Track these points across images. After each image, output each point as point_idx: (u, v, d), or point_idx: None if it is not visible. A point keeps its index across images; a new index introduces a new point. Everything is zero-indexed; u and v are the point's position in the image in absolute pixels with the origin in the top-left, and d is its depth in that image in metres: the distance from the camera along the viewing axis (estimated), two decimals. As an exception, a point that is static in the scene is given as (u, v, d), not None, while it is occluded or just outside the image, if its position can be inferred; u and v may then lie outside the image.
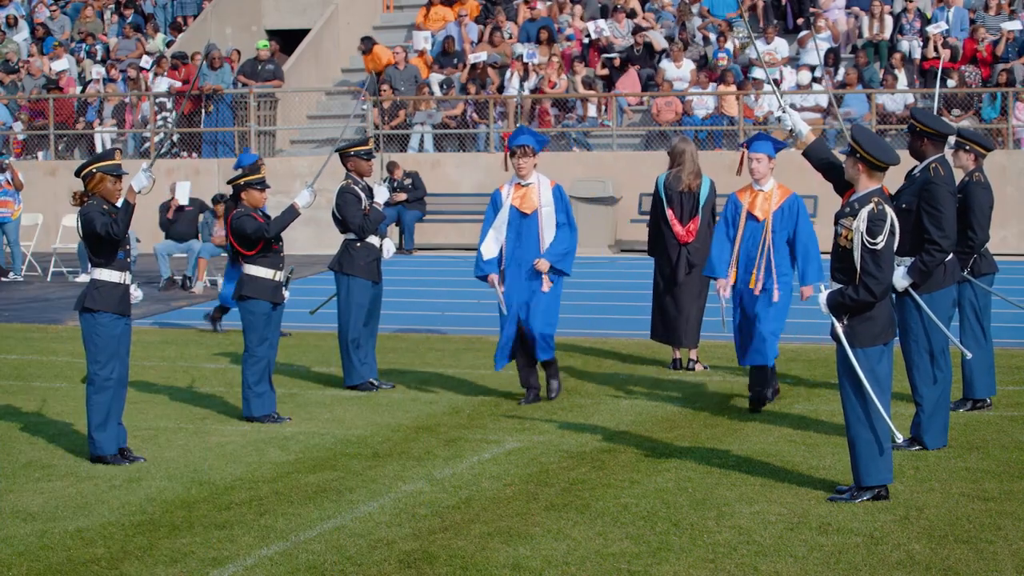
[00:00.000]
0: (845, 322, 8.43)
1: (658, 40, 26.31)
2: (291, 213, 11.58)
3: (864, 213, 8.32)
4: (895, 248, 8.46)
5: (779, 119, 9.64)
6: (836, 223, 8.53)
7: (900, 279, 9.70)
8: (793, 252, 11.35)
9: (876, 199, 8.36)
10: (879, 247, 8.30)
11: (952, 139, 10.89)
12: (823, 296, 8.51)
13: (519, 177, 11.62)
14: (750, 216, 11.30)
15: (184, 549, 7.74)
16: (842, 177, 8.81)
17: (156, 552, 7.67)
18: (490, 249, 11.86)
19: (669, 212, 13.45)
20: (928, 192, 9.85)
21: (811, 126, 10.48)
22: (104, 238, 9.79)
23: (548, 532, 7.93)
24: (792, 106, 23.99)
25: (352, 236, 12.81)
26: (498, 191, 11.91)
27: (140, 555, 7.61)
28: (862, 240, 8.30)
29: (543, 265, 11.69)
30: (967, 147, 11.24)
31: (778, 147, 11.32)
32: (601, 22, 26.58)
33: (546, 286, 11.77)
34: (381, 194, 12.93)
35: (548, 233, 11.72)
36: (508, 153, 11.99)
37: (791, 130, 9.57)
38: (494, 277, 11.85)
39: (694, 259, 13.37)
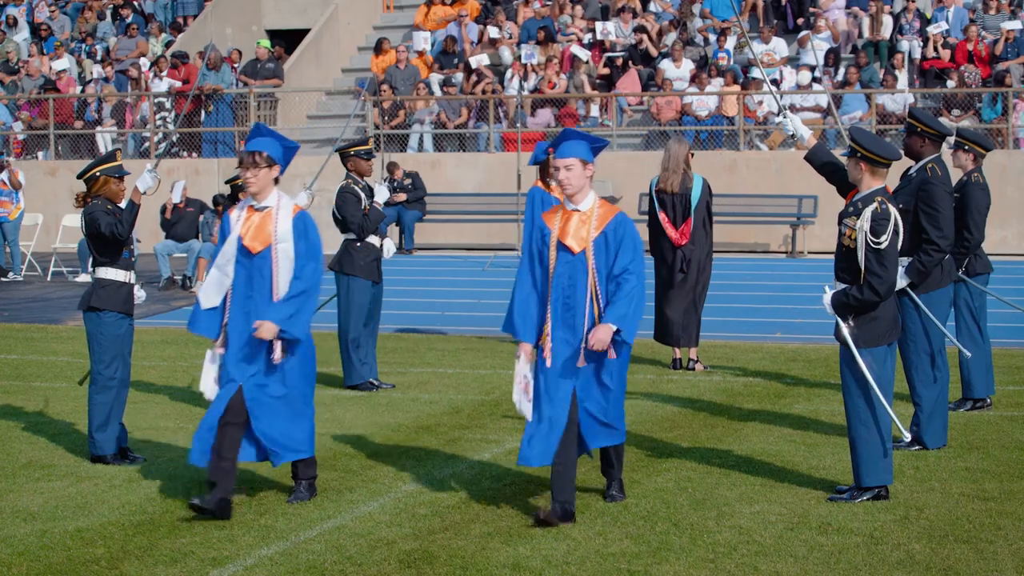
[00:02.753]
0: (851, 323, 8.43)
1: (656, 44, 26.35)
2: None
3: (868, 212, 8.32)
4: (899, 247, 8.47)
5: (779, 123, 9.64)
6: (840, 223, 8.53)
7: (898, 279, 9.70)
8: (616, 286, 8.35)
9: (880, 198, 8.36)
10: (883, 246, 8.30)
11: (951, 139, 10.90)
12: (828, 297, 8.50)
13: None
14: (562, 247, 8.25)
15: (184, 549, 7.73)
16: (845, 179, 8.81)
17: (156, 552, 7.67)
18: (210, 296, 8.62)
19: (661, 215, 13.46)
20: (926, 192, 9.86)
21: (811, 127, 10.51)
22: (108, 238, 9.79)
23: (548, 532, 7.93)
24: (792, 107, 24.09)
25: (352, 236, 12.81)
26: (227, 214, 8.80)
27: (140, 555, 7.61)
28: (866, 239, 8.31)
29: (265, 331, 8.42)
30: (966, 147, 11.24)
31: (596, 147, 8.35)
32: (608, 24, 26.60)
33: (277, 355, 8.54)
34: (381, 194, 12.91)
35: (284, 279, 8.56)
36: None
37: (792, 134, 9.57)
38: (218, 346, 8.67)
39: (690, 261, 13.39)
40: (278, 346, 8.49)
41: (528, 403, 8.30)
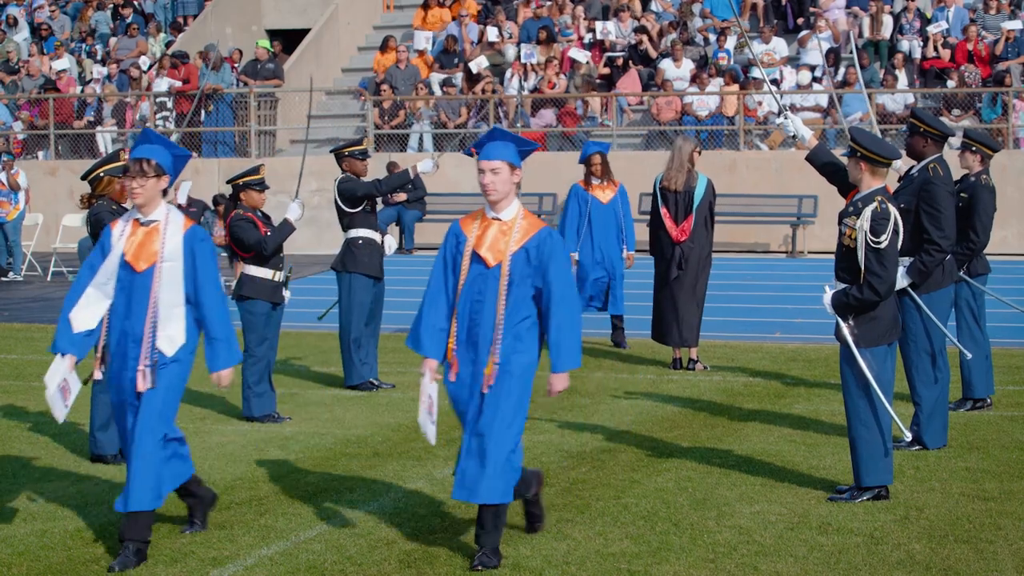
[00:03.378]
0: (851, 322, 8.43)
1: (655, 46, 26.35)
2: (287, 229, 11.59)
3: (868, 212, 8.32)
4: (899, 247, 8.47)
5: (779, 123, 9.65)
6: (840, 222, 8.53)
7: (899, 279, 9.70)
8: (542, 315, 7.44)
9: (880, 198, 8.36)
10: (883, 246, 8.30)
11: (954, 140, 10.91)
12: (828, 296, 8.50)
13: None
14: (476, 258, 7.42)
15: (184, 549, 7.73)
16: (845, 179, 8.81)
17: (156, 552, 7.66)
18: (84, 318, 7.68)
19: (663, 210, 13.52)
20: (927, 192, 9.85)
21: (811, 127, 10.52)
22: None
23: (548, 532, 7.93)
24: (792, 107, 24.09)
25: (355, 234, 12.78)
26: (108, 227, 7.87)
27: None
28: (866, 239, 8.31)
29: (224, 381, 7.82)
30: (973, 148, 11.22)
31: (525, 150, 7.52)
32: (609, 24, 26.60)
33: (142, 384, 7.61)
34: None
35: (165, 301, 7.61)
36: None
37: (793, 135, 9.57)
38: (96, 371, 8.06)
39: (688, 258, 13.41)
40: (145, 376, 7.57)
41: (432, 425, 7.52)
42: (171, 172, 7.76)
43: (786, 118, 9.55)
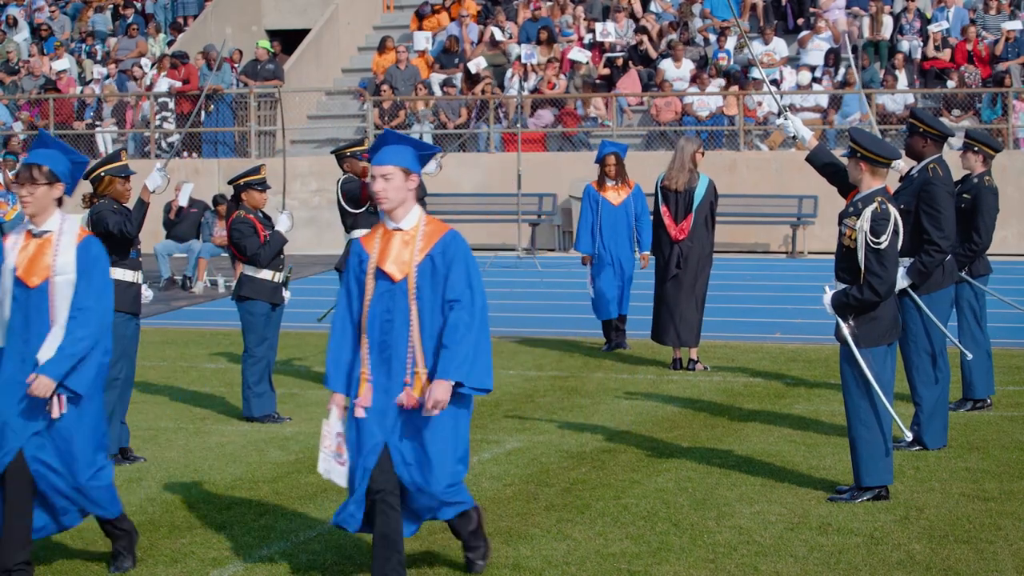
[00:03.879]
0: (851, 323, 8.43)
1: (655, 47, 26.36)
2: (278, 241, 11.59)
3: (868, 212, 8.32)
4: (899, 247, 8.47)
5: (780, 124, 9.64)
6: (840, 223, 8.54)
7: (899, 280, 9.71)
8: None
9: (880, 198, 8.37)
10: (883, 246, 8.30)
11: (955, 141, 10.91)
12: (828, 297, 8.51)
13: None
14: (381, 275, 6.87)
15: (184, 549, 7.74)
16: (846, 179, 8.81)
17: (156, 552, 7.67)
18: None
19: (663, 209, 13.53)
20: (927, 193, 9.85)
21: (811, 127, 10.52)
22: (117, 237, 9.77)
23: (548, 532, 7.93)
24: (791, 107, 24.10)
25: (358, 235, 12.76)
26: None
27: (140, 555, 7.60)
28: (866, 239, 8.31)
29: (40, 387, 6.94)
30: (976, 148, 11.21)
31: (425, 154, 7.04)
32: (609, 25, 26.61)
33: (55, 411, 7.04)
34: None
35: (63, 318, 7.07)
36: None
37: (793, 135, 9.57)
38: None
39: (687, 257, 13.42)
40: (55, 402, 6.97)
41: (341, 468, 6.89)
42: (67, 179, 7.22)
43: (786, 118, 9.56)
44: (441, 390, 6.69)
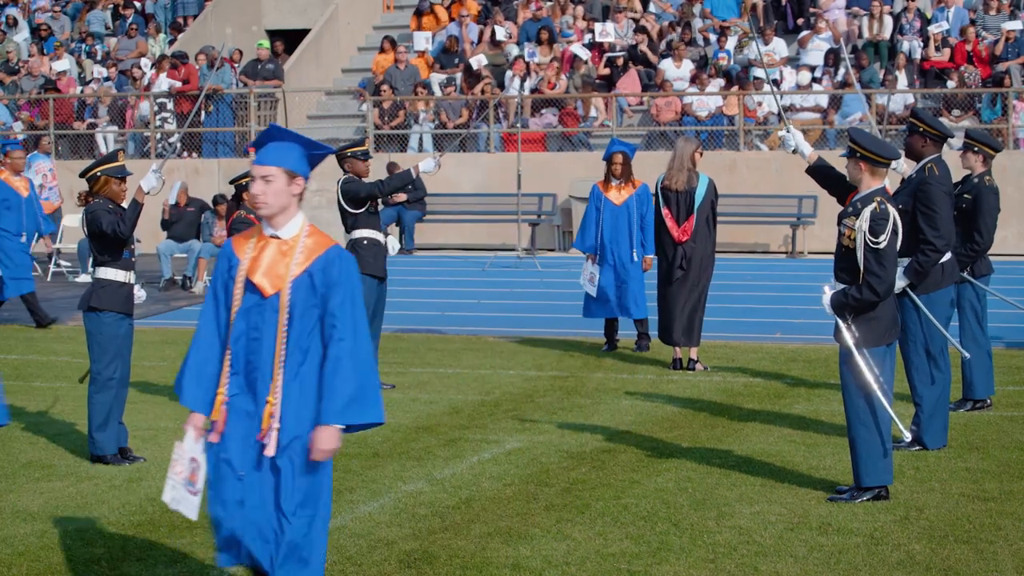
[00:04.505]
0: (850, 323, 8.43)
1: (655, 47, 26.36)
2: None
3: (867, 212, 8.33)
4: (898, 247, 8.47)
5: (781, 137, 9.63)
6: (839, 223, 8.54)
7: (897, 280, 9.70)
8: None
9: (879, 198, 8.37)
10: (882, 246, 8.31)
11: (955, 141, 10.91)
12: (827, 297, 8.51)
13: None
14: (251, 287, 6.10)
15: (184, 549, 7.73)
16: (843, 187, 8.81)
17: (156, 552, 7.66)
18: None
19: (665, 211, 13.53)
20: (923, 192, 9.86)
21: (811, 127, 10.52)
22: (110, 236, 9.78)
23: (548, 532, 7.93)
24: (791, 107, 24.09)
25: (358, 235, 12.78)
26: None
27: (140, 555, 7.61)
28: (865, 239, 8.31)
29: None
30: (976, 148, 11.21)
31: (315, 154, 6.36)
32: (608, 25, 26.61)
33: None
34: (427, 165, 12.97)
35: None
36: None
37: (793, 150, 9.56)
38: None
39: (690, 258, 13.43)
40: None
41: (193, 498, 6.11)
42: None
43: (788, 131, 9.55)
44: (326, 437, 5.93)
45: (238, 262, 6.12)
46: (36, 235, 18.28)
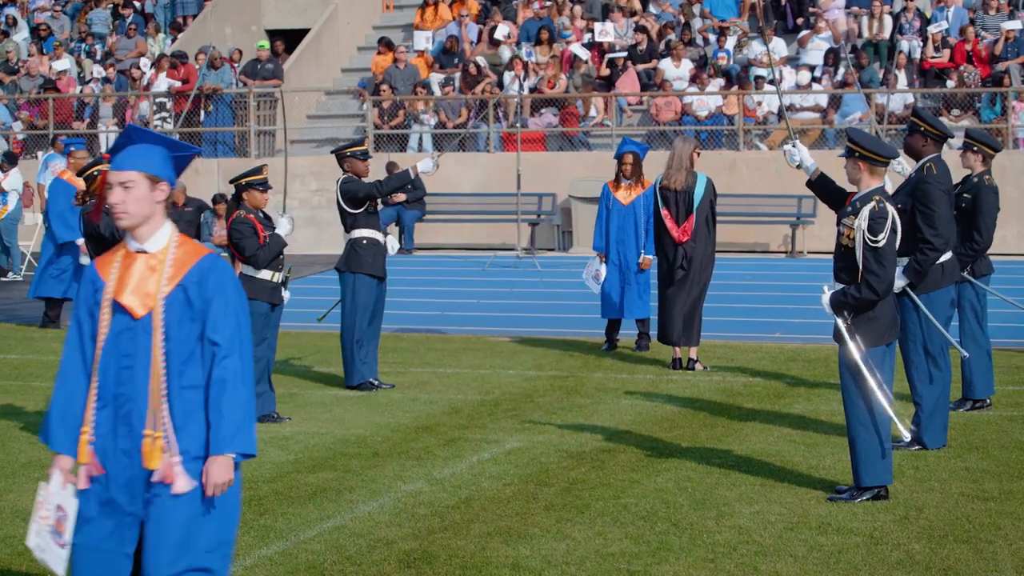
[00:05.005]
0: (849, 323, 8.43)
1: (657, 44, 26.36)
2: (278, 244, 11.58)
3: (865, 211, 8.33)
4: (896, 246, 8.47)
5: (787, 152, 9.62)
6: (838, 223, 8.54)
7: (896, 279, 9.70)
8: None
9: (878, 197, 8.38)
10: (880, 245, 8.31)
11: (954, 141, 10.91)
12: (826, 297, 8.51)
13: None
14: (118, 309, 5.48)
15: (184, 549, 7.73)
16: (842, 198, 8.81)
17: (156, 552, 7.66)
18: None
19: (664, 212, 13.53)
20: (921, 191, 9.86)
21: (810, 127, 10.52)
22: (109, 240, 9.79)
23: (548, 532, 7.93)
24: (791, 106, 24.09)
25: (358, 235, 12.78)
26: None
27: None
28: (864, 238, 8.31)
29: None
30: (975, 148, 11.21)
31: (181, 157, 5.66)
32: (608, 25, 26.60)
33: None
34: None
35: None
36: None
37: (798, 165, 9.55)
38: None
39: (691, 258, 13.43)
40: None
41: (61, 548, 5.47)
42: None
43: (794, 145, 9.54)
44: (219, 469, 5.37)
45: (103, 284, 5.48)
46: None
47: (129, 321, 5.43)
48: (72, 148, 17.67)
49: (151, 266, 5.47)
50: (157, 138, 5.61)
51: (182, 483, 5.35)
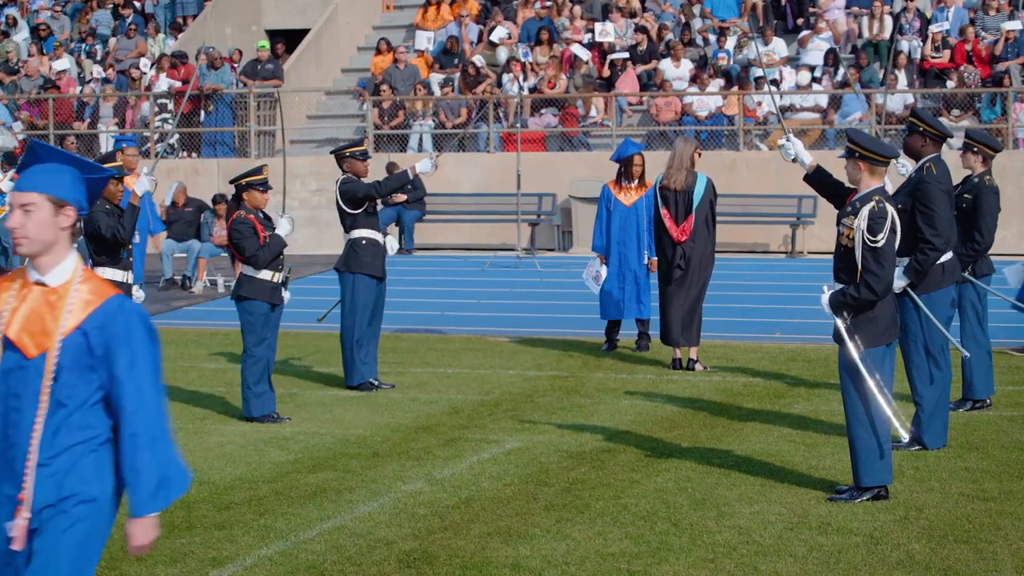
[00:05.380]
0: (849, 323, 8.43)
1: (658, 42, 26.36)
2: (278, 244, 11.58)
3: (865, 211, 8.33)
4: (896, 247, 8.47)
5: (781, 146, 9.62)
6: (838, 223, 8.54)
7: (897, 279, 9.70)
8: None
9: (877, 197, 8.38)
10: (880, 245, 8.31)
11: (954, 141, 10.91)
12: (825, 297, 8.51)
13: None
14: (10, 345, 4.99)
15: (184, 549, 7.74)
16: (841, 193, 8.81)
17: (156, 552, 7.66)
18: None
19: (664, 211, 13.54)
20: (920, 191, 9.86)
21: (810, 127, 10.52)
22: (110, 240, 9.82)
23: (548, 532, 7.93)
24: (791, 106, 24.09)
25: (357, 235, 12.78)
26: None
27: (140, 555, 7.60)
28: (863, 238, 8.32)
29: None
30: (975, 148, 11.21)
31: (95, 179, 5.11)
32: (607, 25, 26.60)
33: None
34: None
35: None
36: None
37: (793, 159, 9.55)
38: None
39: (689, 258, 13.44)
40: None
41: None
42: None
43: (788, 140, 9.54)
44: (143, 530, 5.05)
45: (5, 315, 4.94)
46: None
47: (21, 360, 4.90)
48: (124, 145, 17.43)
49: (50, 302, 4.93)
50: (67, 158, 5.06)
51: (20, 543, 4.88)
